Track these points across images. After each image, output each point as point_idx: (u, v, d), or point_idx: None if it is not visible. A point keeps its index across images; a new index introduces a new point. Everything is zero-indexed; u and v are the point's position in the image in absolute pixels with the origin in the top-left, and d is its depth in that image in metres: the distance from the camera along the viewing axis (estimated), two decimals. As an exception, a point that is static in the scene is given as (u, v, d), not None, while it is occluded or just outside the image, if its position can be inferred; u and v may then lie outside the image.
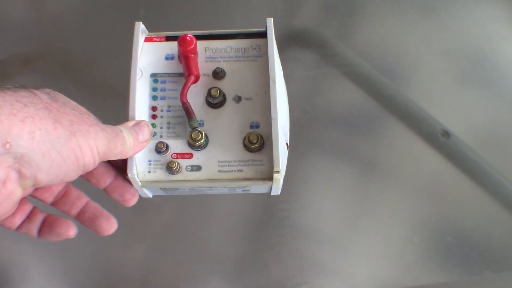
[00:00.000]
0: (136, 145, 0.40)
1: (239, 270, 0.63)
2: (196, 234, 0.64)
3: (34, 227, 0.40)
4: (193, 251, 0.64)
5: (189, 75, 0.44)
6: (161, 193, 0.47)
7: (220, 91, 0.44)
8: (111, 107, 0.66)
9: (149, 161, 0.43)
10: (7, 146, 0.29)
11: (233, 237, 0.63)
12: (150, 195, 0.46)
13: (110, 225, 0.41)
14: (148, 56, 0.47)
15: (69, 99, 0.37)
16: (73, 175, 0.34)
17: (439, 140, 0.66)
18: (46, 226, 0.40)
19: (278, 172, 0.41)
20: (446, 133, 0.66)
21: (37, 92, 0.33)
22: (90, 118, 0.36)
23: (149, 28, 0.48)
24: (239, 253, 0.63)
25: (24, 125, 0.30)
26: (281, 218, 0.64)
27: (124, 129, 0.39)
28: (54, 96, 0.34)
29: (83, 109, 0.39)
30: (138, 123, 0.41)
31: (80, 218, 0.41)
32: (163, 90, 0.45)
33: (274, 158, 0.41)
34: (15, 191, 0.31)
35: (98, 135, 0.35)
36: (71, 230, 0.39)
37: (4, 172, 0.30)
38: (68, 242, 0.41)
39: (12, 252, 0.64)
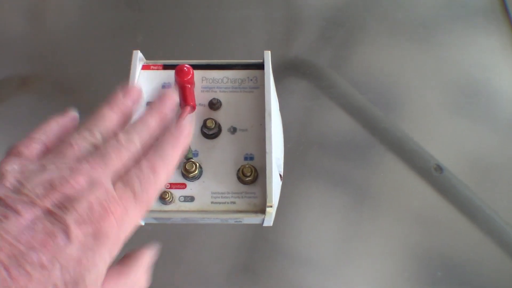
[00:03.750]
0: None
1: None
2: (184, 261, 0.63)
3: None
4: (182, 278, 0.63)
5: (185, 105, 0.44)
6: (153, 221, 0.46)
7: (216, 122, 0.44)
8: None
9: (142, 190, 0.43)
10: None
11: (223, 266, 0.63)
12: (142, 223, 0.46)
13: None
14: (145, 84, 0.47)
15: None
16: None
17: (432, 174, 0.66)
18: None
19: (271, 206, 0.41)
20: (439, 168, 0.66)
21: None
22: None
23: (147, 54, 0.48)
24: (229, 282, 0.62)
25: None
26: (272, 246, 0.63)
27: None
28: None
29: None
30: None
31: None
32: (158, 119, 0.45)
33: (267, 193, 0.41)
34: None
35: None
36: None
37: None
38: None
39: None
